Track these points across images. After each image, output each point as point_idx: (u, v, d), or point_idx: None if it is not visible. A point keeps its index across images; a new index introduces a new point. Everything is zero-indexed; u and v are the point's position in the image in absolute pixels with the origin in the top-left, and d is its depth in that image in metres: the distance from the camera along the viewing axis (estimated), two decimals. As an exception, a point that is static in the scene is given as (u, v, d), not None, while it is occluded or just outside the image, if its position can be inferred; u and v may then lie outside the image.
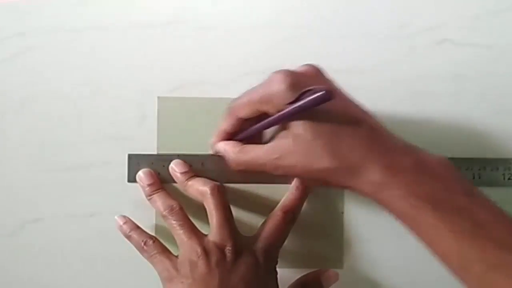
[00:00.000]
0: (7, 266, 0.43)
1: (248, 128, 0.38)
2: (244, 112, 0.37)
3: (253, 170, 0.37)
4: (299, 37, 0.43)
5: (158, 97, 0.43)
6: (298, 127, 0.34)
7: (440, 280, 0.43)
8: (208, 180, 0.40)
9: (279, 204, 0.41)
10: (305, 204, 0.42)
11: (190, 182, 0.40)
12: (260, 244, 0.39)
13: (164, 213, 0.39)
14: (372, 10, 0.43)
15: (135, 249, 0.40)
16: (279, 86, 0.34)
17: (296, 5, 0.43)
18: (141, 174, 0.41)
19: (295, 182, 0.41)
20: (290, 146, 0.35)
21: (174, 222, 0.39)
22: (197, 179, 0.40)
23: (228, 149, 0.38)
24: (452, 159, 0.36)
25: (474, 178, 0.42)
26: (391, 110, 0.43)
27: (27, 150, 0.43)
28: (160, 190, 0.41)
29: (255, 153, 0.37)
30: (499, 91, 0.43)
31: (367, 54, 0.43)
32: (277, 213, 0.40)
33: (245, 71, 0.43)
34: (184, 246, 0.38)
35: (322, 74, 0.37)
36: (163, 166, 0.41)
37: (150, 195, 0.41)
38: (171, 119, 0.43)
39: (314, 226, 0.43)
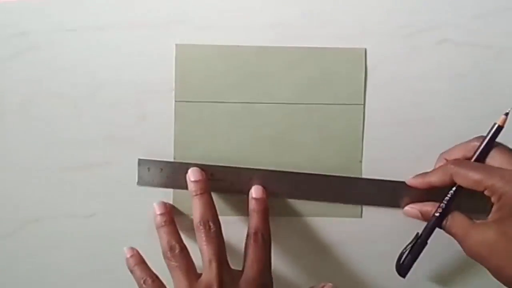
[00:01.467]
0: (7, 266, 0.43)
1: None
2: (460, 182, 0.38)
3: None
4: (299, 37, 0.43)
5: (176, 45, 0.42)
6: None
7: (441, 279, 0.43)
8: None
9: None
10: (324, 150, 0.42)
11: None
12: (246, 276, 0.38)
13: (166, 254, 0.39)
14: (372, 10, 0.43)
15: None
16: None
17: (296, 5, 0.43)
18: (154, 205, 0.41)
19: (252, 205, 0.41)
20: None
21: (173, 263, 0.38)
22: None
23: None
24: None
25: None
26: (391, 110, 0.43)
27: (27, 150, 0.43)
28: (169, 224, 0.40)
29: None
30: (499, 91, 0.43)
31: (368, 53, 0.43)
32: (247, 239, 0.39)
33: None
34: None
35: None
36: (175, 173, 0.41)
37: (160, 227, 0.40)
38: (189, 66, 0.42)
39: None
